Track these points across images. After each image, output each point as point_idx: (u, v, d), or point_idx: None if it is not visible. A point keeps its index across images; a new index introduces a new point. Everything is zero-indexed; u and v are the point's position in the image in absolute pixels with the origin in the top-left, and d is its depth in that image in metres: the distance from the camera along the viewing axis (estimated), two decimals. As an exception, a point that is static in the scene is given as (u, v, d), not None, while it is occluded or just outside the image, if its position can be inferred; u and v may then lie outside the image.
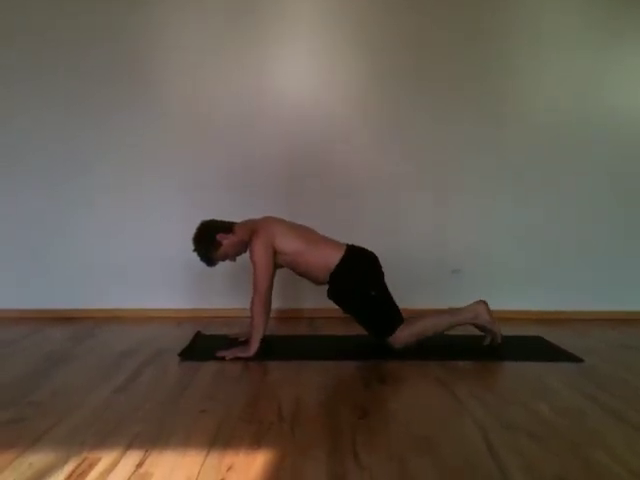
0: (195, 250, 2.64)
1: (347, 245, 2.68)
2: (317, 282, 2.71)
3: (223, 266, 2.80)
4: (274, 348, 2.65)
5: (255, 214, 2.80)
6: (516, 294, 3.50)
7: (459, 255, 3.50)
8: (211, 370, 2.30)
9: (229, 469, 1.44)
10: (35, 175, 3.40)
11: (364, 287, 2.61)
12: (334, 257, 2.61)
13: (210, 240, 2.62)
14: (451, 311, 2.69)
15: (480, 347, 2.66)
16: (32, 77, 3.34)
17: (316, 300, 3.14)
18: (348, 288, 2.62)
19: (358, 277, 2.62)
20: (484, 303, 2.66)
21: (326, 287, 2.69)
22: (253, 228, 2.62)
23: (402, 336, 2.57)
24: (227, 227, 2.66)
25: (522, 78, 3.46)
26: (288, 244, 2.60)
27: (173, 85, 3.38)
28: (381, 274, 2.68)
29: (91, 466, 1.45)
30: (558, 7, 3.42)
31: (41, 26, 3.32)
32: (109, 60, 3.34)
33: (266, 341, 2.55)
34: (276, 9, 3.36)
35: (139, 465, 1.46)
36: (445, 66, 3.42)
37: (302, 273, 2.70)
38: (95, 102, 3.37)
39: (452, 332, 2.66)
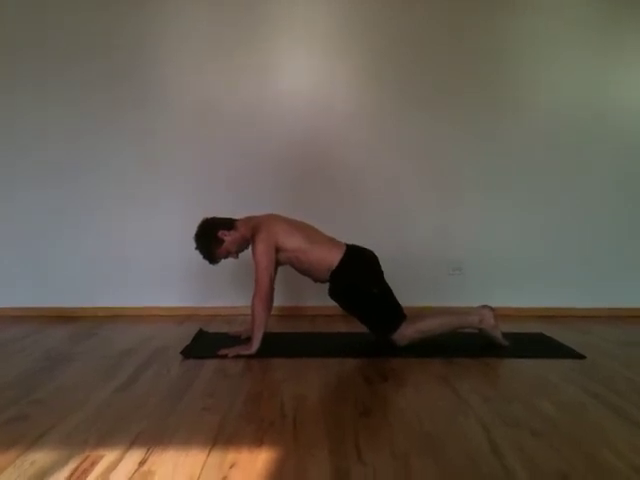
0: (197, 247, 2.64)
1: (347, 245, 2.69)
2: (318, 280, 2.71)
3: (225, 264, 2.81)
4: (276, 346, 2.64)
5: (256, 212, 2.80)
6: (517, 291, 3.51)
7: (460, 253, 3.50)
8: (213, 368, 2.31)
9: (232, 467, 1.44)
10: (36, 175, 3.40)
11: (365, 285, 2.61)
12: (335, 256, 2.61)
13: (212, 237, 2.61)
14: (457, 312, 2.71)
15: (482, 344, 2.67)
16: (34, 81, 3.34)
17: (318, 298, 3.14)
18: (349, 287, 2.62)
19: (359, 276, 2.62)
20: (490, 308, 2.66)
21: (327, 285, 2.69)
22: (255, 225, 2.62)
23: (407, 333, 2.57)
24: (229, 224, 2.66)
25: (524, 79, 3.45)
26: (291, 242, 2.60)
27: (174, 86, 3.38)
28: (380, 273, 2.68)
29: (93, 464, 1.45)
30: (557, 6, 3.42)
31: (42, 29, 3.32)
32: (110, 63, 3.34)
33: (267, 338, 2.55)
34: (277, 11, 3.35)
35: (141, 463, 1.46)
36: (446, 66, 3.42)
37: (303, 270, 2.70)
38: (97, 104, 3.37)
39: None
